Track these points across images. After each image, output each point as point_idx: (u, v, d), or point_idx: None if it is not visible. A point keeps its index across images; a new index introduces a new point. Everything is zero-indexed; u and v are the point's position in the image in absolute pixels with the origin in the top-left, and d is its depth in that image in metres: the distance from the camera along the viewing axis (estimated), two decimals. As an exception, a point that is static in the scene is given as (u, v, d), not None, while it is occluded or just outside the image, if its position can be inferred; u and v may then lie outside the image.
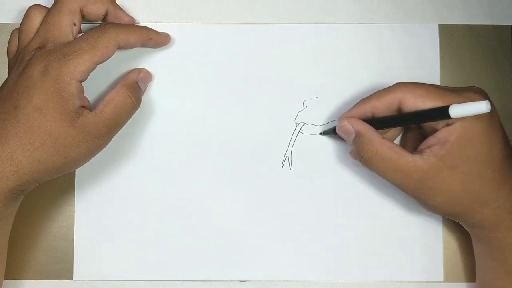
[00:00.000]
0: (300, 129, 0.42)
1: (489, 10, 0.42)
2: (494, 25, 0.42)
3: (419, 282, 0.41)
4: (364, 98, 0.37)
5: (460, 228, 0.41)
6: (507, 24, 0.42)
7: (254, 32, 0.42)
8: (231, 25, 0.42)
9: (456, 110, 0.31)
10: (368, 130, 0.36)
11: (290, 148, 0.41)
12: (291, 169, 0.41)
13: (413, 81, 0.35)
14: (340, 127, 0.37)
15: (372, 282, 0.41)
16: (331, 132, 0.40)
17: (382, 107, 0.36)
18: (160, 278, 0.41)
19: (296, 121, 0.42)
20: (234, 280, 0.41)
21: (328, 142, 0.41)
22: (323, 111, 0.42)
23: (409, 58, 0.42)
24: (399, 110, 0.35)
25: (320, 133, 0.41)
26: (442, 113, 0.32)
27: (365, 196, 0.41)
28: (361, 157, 0.36)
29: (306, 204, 0.41)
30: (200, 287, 0.41)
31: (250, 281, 0.41)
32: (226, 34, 0.42)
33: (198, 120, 0.42)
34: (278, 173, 0.41)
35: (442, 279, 0.41)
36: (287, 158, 0.41)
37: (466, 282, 0.41)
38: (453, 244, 0.41)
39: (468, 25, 0.42)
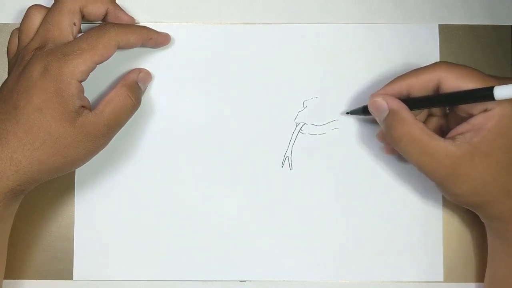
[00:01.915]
0: (300, 129, 0.42)
1: (489, 10, 0.42)
2: (494, 25, 0.42)
3: (419, 282, 0.41)
4: (401, 76, 0.36)
5: (460, 227, 0.41)
6: (507, 24, 0.42)
7: (254, 32, 0.42)
8: (231, 25, 0.42)
9: (502, 91, 0.31)
10: (402, 109, 0.35)
11: (290, 148, 0.41)
12: (291, 169, 0.41)
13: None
14: (373, 103, 0.36)
15: (372, 282, 0.41)
16: (360, 112, 0.39)
17: (419, 86, 0.35)
18: (160, 278, 0.41)
19: (296, 121, 0.42)
20: (234, 280, 0.41)
21: (328, 142, 0.41)
22: (323, 111, 0.42)
23: (409, 58, 0.42)
24: (436, 90, 0.34)
25: (347, 112, 0.41)
26: (485, 94, 0.31)
27: (365, 196, 0.41)
28: (391, 135, 0.35)
29: (306, 204, 0.41)
30: (200, 287, 0.41)
31: (250, 281, 0.41)
32: (226, 34, 0.42)
33: (198, 120, 0.42)
34: (278, 173, 0.41)
35: (442, 279, 0.41)
36: (287, 158, 0.41)
37: (466, 282, 0.41)
38: (453, 244, 0.41)
39: (468, 25, 0.42)
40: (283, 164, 0.41)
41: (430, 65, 0.35)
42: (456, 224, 0.41)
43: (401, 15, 0.42)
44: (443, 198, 0.41)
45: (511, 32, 0.42)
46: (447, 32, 0.42)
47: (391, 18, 0.42)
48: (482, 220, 0.37)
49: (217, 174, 0.41)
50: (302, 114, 0.42)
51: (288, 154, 0.41)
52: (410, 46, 0.42)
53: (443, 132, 0.38)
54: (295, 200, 0.41)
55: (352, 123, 0.41)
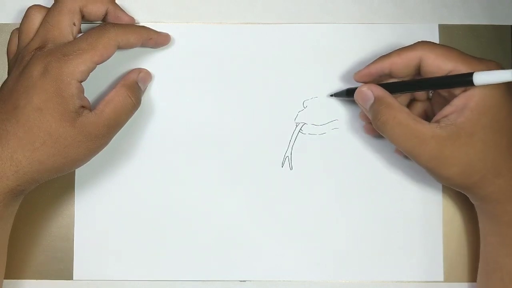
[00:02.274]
0: (300, 129, 0.42)
1: (489, 10, 0.42)
2: (494, 25, 0.42)
3: (419, 282, 0.41)
4: (384, 55, 0.37)
5: (460, 227, 0.41)
6: (507, 24, 0.42)
7: (254, 32, 0.42)
8: (231, 25, 0.42)
9: (480, 78, 0.31)
10: (387, 95, 0.36)
11: (290, 148, 0.41)
12: (291, 169, 0.41)
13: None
14: (360, 92, 0.37)
15: (372, 282, 0.41)
16: (343, 95, 0.40)
17: (402, 64, 0.35)
18: (160, 278, 0.41)
19: (296, 121, 0.42)
20: (234, 280, 0.41)
21: (328, 142, 0.41)
22: (323, 111, 0.42)
23: (409, 58, 0.42)
24: (418, 69, 0.35)
25: (331, 95, 0.41)
26: (464, 80, 0.32)
27: (365, 196, 0.41)
28: (378, 120, 0.35)
29: (306, 204, 0.41)
30: (200, 287, 0.41)
31: (250, 281, 0.41)
32: (226, 34, 0.42)
33: (198, 120, 0.42)
34: (278, 173, 0.41)
35: (442, 279, 0.41)
36: (287, 158, 0.41)
37: (466, 282, 0.41)
38: (453, 244, 0.41)
39: (468, 25, 0.42)
40: (283, 164, 0.41)
41: (412, 44, 0.36)
42: (456, 224, 0.41)
43: (401, 15, 0.42)
44: (443, 197, 0.41)
45: (511, 32, 0.42)
46: (447, 32, 0.42)
47: (391, 18, 0.42)
48: (473, 202, 0.37)
49: (217, 174, 0.41)
50: (302, 114, 0.42)
51: (288, 154, 0.41)
52: (410, 46, 0.42)
53: (427, 116, 0.39)
54: (295, 200, 0.41)
55: (352, 123, 0.41)
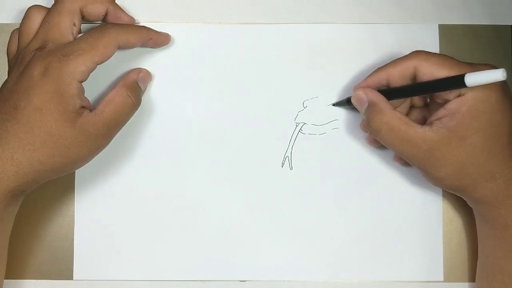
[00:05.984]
0: (300, 129, 0.42)
1: (489, 10, 0.42)
2: (494, 25, 0.42)
3: (419, 282, 0.41)
4: (380, 67, 0.37)
5: (460, 227, 0.41)
6: (507, 24, 0.42)
7: (254, 32, 0.42)
8: (231, 25, 0.42)
9: (472, 78, 0.31)
10: (380, 100, 0.36)
11: (290, 148, 0.41)
12: (291, 169, 0.41)
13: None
14: (355, 96, 0.38)
15: (372, 282, 0.41)
16: (344, 103, 0.40)
17: (398, 74, 0.36)
18: (160, 278, 0.41)
19: (296, 121, 0.42)
20: (234, 280, 0.41)
21: (328, 142, 0.41)
22: (323, 111, 0.42)
23: (409, 58, 0.42)
24: (414, 78, 0.35)
25: (333, 104, 0.41)
26: (457, 81, 0.32)
27: (365, 196, 0.41)
28: (371, 126, 0.36)
29: (306, 204, 0.41)
30: (200, 287, 0.41)
31: (250, 281, 0.41)
32: (226, 34, 0.42)
33: (198, 120, 0.42)
34: (278, 173, 0.41)
35: (442, 279, 0.41)
36: (287, 158, 0.41)
37: (466, 282, 0.41)
38: (453, 244, 0.41)
39: (468, 25, 0.42)
40: (283, 164, 0.41)
41: (407, 54, 0.36)
42: (456, 224, 0.41)
43: (401, 15, 0.42)
44: (443, 198, 0.41)
45: (511, 32, 0.42)
46: (447, 32, 0.42)
47: (391, 18, 0.42)
48: (470, 205, 0.38)
49: (217, 174, 0.41)
50: (302, 114, 0.42)
51: (288, 154, 0.41)
52: (410, 46, 0.41)
53: (425, 122, 0.39)
54: (295, 200, 0.41)
55: (352, 123, 0.41)
